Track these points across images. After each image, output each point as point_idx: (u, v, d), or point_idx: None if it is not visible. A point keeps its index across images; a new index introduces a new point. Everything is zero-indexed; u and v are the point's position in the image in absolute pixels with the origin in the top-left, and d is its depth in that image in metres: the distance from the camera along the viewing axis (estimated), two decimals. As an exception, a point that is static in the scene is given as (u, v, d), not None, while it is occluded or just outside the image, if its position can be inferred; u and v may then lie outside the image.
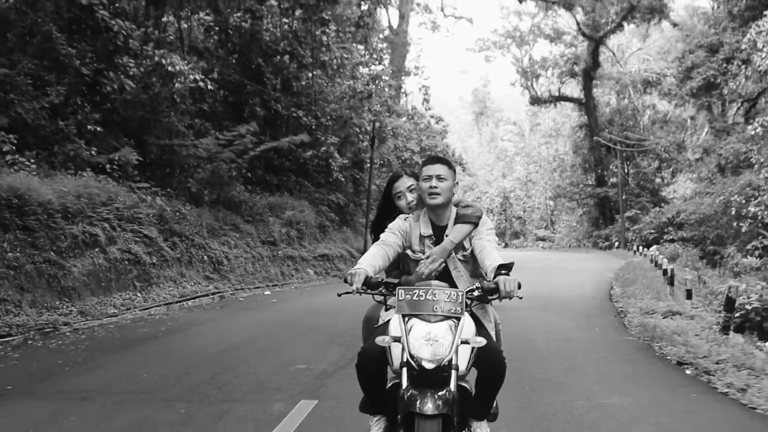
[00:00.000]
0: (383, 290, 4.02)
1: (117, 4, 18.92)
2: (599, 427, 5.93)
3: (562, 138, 71.03)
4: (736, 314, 17.63)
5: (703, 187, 44.79)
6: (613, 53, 61.69)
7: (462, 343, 3.65)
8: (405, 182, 4.81)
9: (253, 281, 20.38)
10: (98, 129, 17.53)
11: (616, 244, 53.56)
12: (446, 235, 4.44)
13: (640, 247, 42.24)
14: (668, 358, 9.23)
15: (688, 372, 8.32)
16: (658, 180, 59.85)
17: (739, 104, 43.24)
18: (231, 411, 6.18)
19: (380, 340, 3.70)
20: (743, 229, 31.39)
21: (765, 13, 29.88)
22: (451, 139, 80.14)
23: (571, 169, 66.49)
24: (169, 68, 19.37)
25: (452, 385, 3.53)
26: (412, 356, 3.58)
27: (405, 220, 4.58)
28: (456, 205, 4.59)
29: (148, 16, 22.52)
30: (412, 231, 4.52)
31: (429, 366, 3.53)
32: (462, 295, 3.77)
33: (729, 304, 12.25)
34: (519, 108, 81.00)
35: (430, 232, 4.50)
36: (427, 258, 4.38)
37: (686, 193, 53.08)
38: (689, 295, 16.08)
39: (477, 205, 4.70)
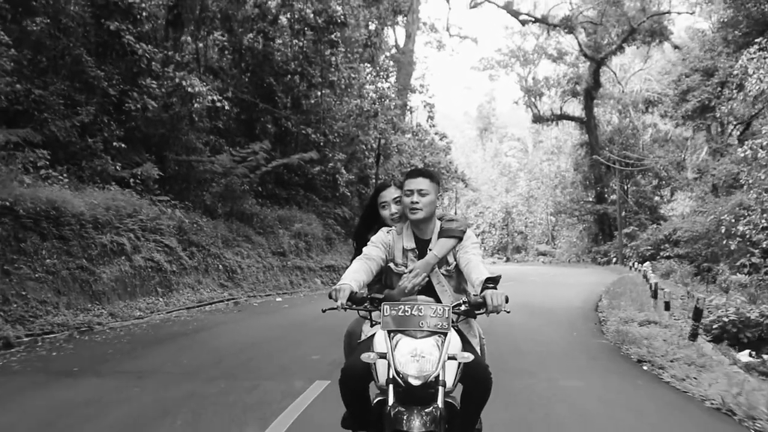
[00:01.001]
0: (368, 306, 4.01)
1: (140, 28, 20.28)
2: (552, 399, 7.35)
3: (563, 155, 72.07)
4: (715, 326, 19.05)
5: (697, 205, 45.93)
6: (615, 73, 62.84)
7: (449, 358, 3.65)
8: (391, 193, 4.77)
9: (264, 289, 21.71)
10: (122, 145, 18.85)
11: (614, 260, 54.66)
12: (430, 249, 4.44)
13: (635, 263, 43.43)
14: (631, 356, 10.55)
15: (644, 368, 9.64)
16: (657, 198, 60.80)
17: (734, 126, 44.38)
18: (261, 386, 7.61)
19: (366, 356, 3.69)
20: (732, 247, 32.55)
21: (756, 40, 31.06)
22: (456, 154, 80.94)
23: (572, 185, 67.59)
24: (189, 89, 20.68)
25: (439, 402, 3.54)
26: (398, 373, 3.57)
27: (388, 233, 4.57)
28: (440, 219, 4.59)
29: (168, 37, 23.89)
30: (395, 244, 4.52)
31: (415, 382, 3.52)
32: (448, 310, 3.77)
33: (696, 314, 13.53)
34: (523, 124, 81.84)
35: (414, 245, 4.50)
36: (410, 272, 4.38)
37: (685, 211, 54.08)
38: (667, 306, 17.39)
39: (462, 219, 4.71)
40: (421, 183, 4.34)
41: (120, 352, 10.29)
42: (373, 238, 4.52)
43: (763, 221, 28.26)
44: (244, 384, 7.75)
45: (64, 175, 16.37)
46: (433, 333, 3.69)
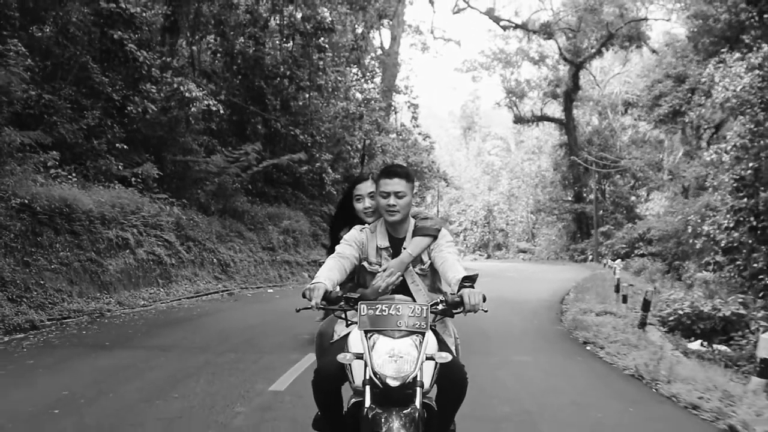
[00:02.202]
0: (344, 305, 3.91)
1: (138, 34, 21.62)
2: (502, 369, 9.03)
3: (544, 155, 73.43)
4: (671, 318, 20.65)
5: (669, 206, 47.48)
6: (594, 77, 64.34)
7: (426, 359, 3.63)
8: (367, 187, 4.72)
9: (255, 282, 23.21)
10: (124, 146, 20.16)
11: (590, 257, 56.29)
12: (404, 248, 4.38)
13: (608, 261, 45.02)
14: (579, 339, 12.18)
15: (588, 348, 11.28)
16: (633, 198, 62.21)
17: (704, 130, 45.91)
18: (264, 357, 9.25)
19: (342, 357, 3.64)
20: (698, 246, 34.16)
21: (722, 50, 32.59)
22: (440, 152, 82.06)
23: (552, 185, 68.89)
24: (186, 94, 22.10)
25: (417, 403, 3.52)
26: (375, 373, 3.53)
27: (361, 231, 4.50)
28: (414, 217, 4.53)
29: (164, 42, 25.31)
30: (368, 242, 4.46)
31: (393, 383, 3.49)
32: (426, 309, 3.72)
33: (645, 305, 15.20)
34: (506, 123, 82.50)
35: (387, 244, 4.44)
36: (384, 271, 4.29)
37: (660, 211, 55.51)
38: (624, 299, 19.03)
39: (436, 217, 4.65)
40: (398, 185, 4.28)
41: (139, 331, 11.93)
42: (346, 236, 4.48)
43: (725, 221, 29.70)
44: (249, 356, 9.36)
45: (73, 174, 17.73)
46: (410, 333, 3.66)
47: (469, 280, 3.89)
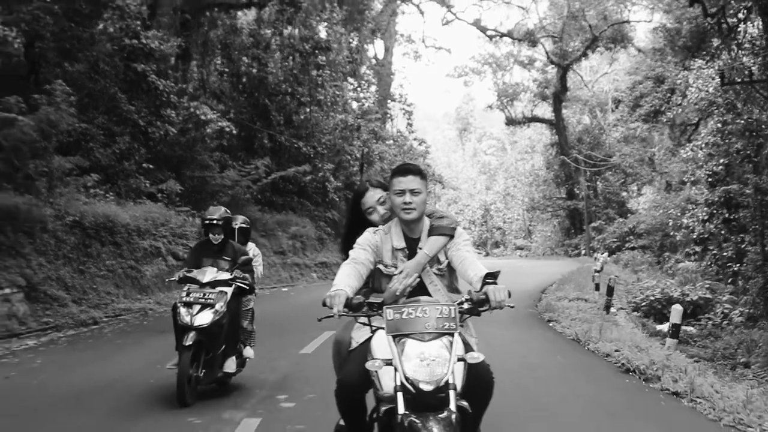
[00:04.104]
0: (367, 310, 3.85)
1: (157, 66, 24.02)
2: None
3: (537, 154, 75.08)
4: (644, 304, 23.08)
5: (655, 200, 49.53)
6: (581, 77, 66.03)
7: (457, 360, 3.58)
8: (373, 195, 4.64)
9: (269, 283, 25.72)
10: (150, 166, 22.65)
11: (583, 252, 58.34)
12: (420, 248, 4.29)
13: (596, 254, 47.22)
14: (544, 318, 14.78)
15: (550, 324, 13.87)
16: (624, 193, 63.77)
17: (683, 129, 48.04)
18: (290, 334, 12.12)
19: (371, 364, 3.59)
20: (678, 238, 36.54)
21: (696, 54, 34.80)
22: (437, 154, 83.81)
23: (545, 183, 70.39)
24: (202, 117, 24.58)
25: (452, 406, 3.45)
26: (407, 379, 3.47)
27: (375, 233, 4.40)
28: (429, 216, 4.44)
29: (177, 68, 27.88)
30: (383, 244, 4.34)
31: (427, 388, 3.45)
32: (455, 309, 3.67)
33: (609, 291, 17.64)
34: (501, 123, 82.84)
35: (403, 245, 4.34)
36: (400, 273, 4.20)
37: (647, 205, 57.27)
38: (597, 287, 21.52)
39: (452, 215, 4.57)
40: (413, 182, 4.21)
41: None
42: (359, 240, 4.37)
43: (702, 214, 31.85)
44: (279, 334, 12.21)
45: (109, 193, 20.24)
46: (440, 335, 3.61)
47: (491, 277, 3.86)
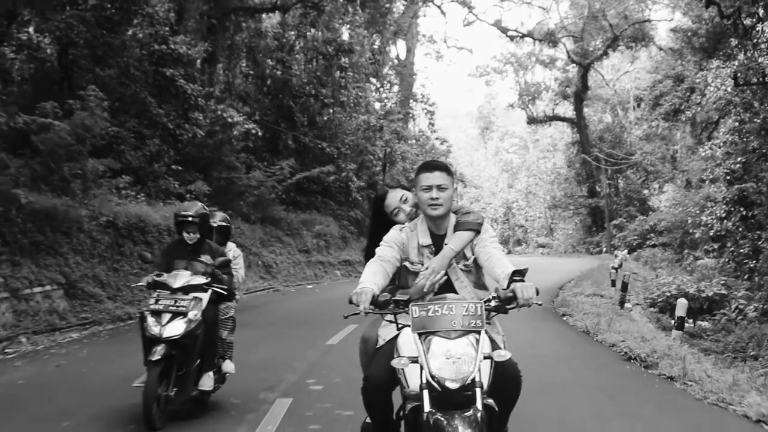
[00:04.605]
0: (393, 308, 3.83)
1: (184, 70, 24.75)
2: None
3: (558, 153, 75.42)
4: (660, 299, 23.49)
5: (675, 198, 49.68)
6: (602, 76, 66.36)
7: (484, 358, 3.57)
8: (395, 196, 4.64)
9: (295, 280, 26.54)
10: (179, 167, 23.36)
11: (604, 249, 58.54)
12: (446, 244, 4.28)
13: (616, 251, 47.47)
14: (558, 313, 15.39)
15: (564, 318, 14.48)
16: (645, 191, 63.63)
17: (704, 126, 48.15)
18: (317, 327, 12.88)
19: (397, 362, 3.60)
20: (696, 236, 36.78)
21: (712, 55, 35.10)
22: (459, 153, 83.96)
23: (566, 181, 70.59)
24: (228, 119, 25.33)
25: (479, 404, 3.44)
26: (433, 376, 3.47)
27: (401, 230, 4.37)
28: (455, 212, 4.43)
29: (204, 71, 28.67)
30: (409, 242, 4.33)
31: (453, 386, 3.43)
32: (481, 307, 3.65)
33: (624, 286, 18.18)
34: (523, 121, 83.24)
35: (430, 241, 4.33)
36: (427, 269, 4.19)
37: (668, 203, 57.28)
38: (613, 283, 22.01)
39: (477, 211, 4.58)
40: (439, 178, 4.19)
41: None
42: (385, 238, 4.35)
43: (720, 212, 32.07)
44: (306, 326, 13.17)
45: (141, 194, 21.00)
46: (466, 332, 3.60)
47: (519, 274, 3.85)
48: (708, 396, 7.58)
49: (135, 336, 12.87)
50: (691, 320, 21.53)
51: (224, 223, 8.20)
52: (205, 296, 6.92)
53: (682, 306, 11.58)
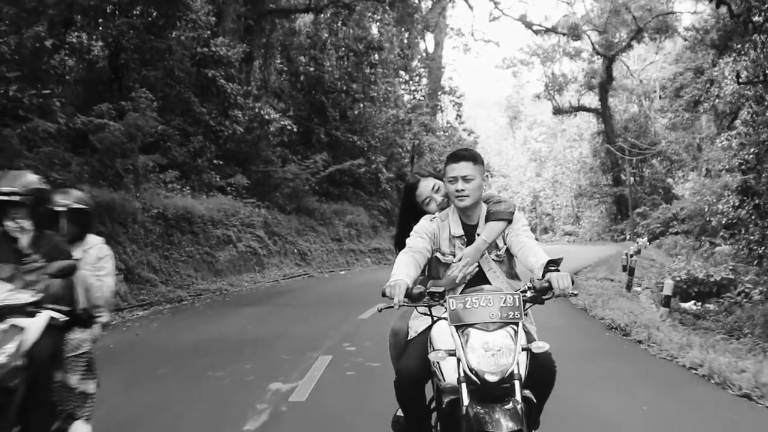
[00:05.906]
0: (428, 300, 3.74)
1: (225, 71, 26.43)
2: None
3: (584, 142, 76.31)
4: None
5: (692, 187, 50.76)
6: (628, 67, 67.17)
7: (522, 350, 3.52)
8: (427, 185, 4.47)
9: (328, 267, 28.28)
10: (220, 162, 25.13)
11: (627, 237, 59.67)
12: (478, 235, 4.20)
13: (637, 239, 48.79)
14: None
15: (571, 300, 16.07)
16: (669, 180, 64.71)
17: (723, 117, 49.05)
18: (349, 306, 14.52)
19: (434, 355, 3.55)
20: (713, 223, 37.97)
21: (723, 52, 36.08)
22: (488, 142, 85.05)
23: (591, 170, 71.82)
24: (265, 116, 27.03)
25: (518, 396, 3.39)
26: (471, 369, 3.39)
27: (431, 220, 4.29)
28: (486, 202, 4.34)
29: (242, 70, 30.38)
30: (440, 232, 4.26)
31: (492, 378, 3.36)
32: (519, 298, 3.58)
33: (630, 271, 19.65)
34: (551, 110, 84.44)
35: (461, 232, 4.24)
36: (459, 260, 4.14)
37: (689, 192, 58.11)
38: (624, 269, 23.46)
39: (509, 200, 4.45)
40: (465, 168, 4.10)
41: (262, 297, 17.39)
42: (416, 228, 4.28)
43: (733, 200, 33.15)
44: (340, 306, 14.83)
45: (186, 188, 22.75)
46: (504, 324, 3.52)
47: (554, 264, 3.80)
48: (661, 353, 9.44)
49: (194, 312, 14.84)
50: (699, 303, 23.03)
51: (81, 206, 5.18)
52: (35, 322, 4.12)
53: (668, 286, 13.22)
